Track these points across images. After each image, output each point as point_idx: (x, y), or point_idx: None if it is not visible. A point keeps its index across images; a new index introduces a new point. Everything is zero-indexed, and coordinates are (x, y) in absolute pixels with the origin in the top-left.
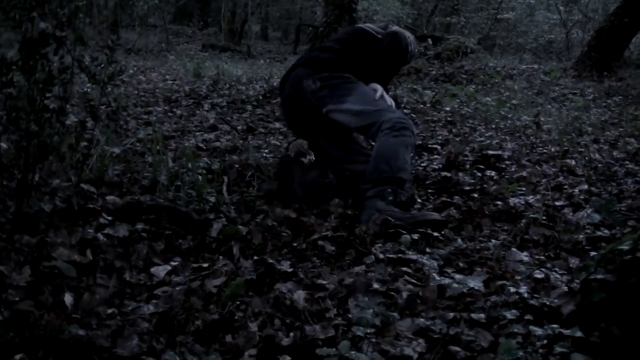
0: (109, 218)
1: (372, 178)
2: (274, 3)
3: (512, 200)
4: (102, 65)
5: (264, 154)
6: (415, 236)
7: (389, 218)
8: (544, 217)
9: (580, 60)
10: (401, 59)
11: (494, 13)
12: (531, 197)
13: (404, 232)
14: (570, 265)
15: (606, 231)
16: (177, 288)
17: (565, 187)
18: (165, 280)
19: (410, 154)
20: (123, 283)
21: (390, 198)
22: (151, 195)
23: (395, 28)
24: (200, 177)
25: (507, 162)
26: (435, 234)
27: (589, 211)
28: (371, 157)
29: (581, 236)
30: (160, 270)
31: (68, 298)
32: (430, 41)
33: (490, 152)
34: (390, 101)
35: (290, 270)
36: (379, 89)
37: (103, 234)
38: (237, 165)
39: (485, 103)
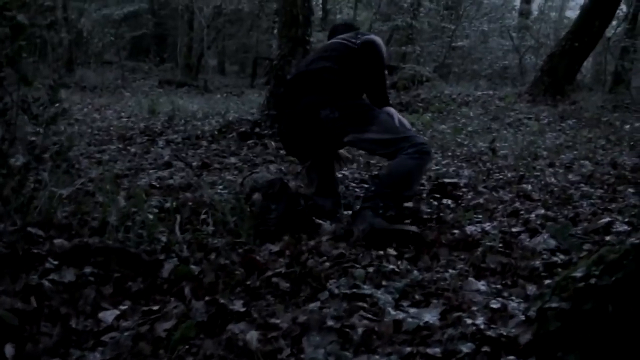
0: (55, 262)
1: (377, 190)
2: (230, 37)
3: (469, 228)
4: (45, 106)
5: (218, 190)
6: (371, 269)
7: (372, 225)
8: (501, 245)
9: (534, 85)
10: (383, 59)
11: (448, 41)
12: (488, 224)
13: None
14: (528, 292)
15: (562, 256)
16: (125, 333)
17: (522, 212)
18: (114, 326)
19: (423, 175)
20: (68, 330)
21: (381, 211)
22: (100, 237)
23: (366, 37)
24: (151, 217)
25: (464, 190)
26: (398, 264)
27: (545, 236)
28: (386, 168)
29: (537, 262)
30: (108, 315)
31: (9, 349)
32: (386, 71)
33: (447, 180)
34: (407, 124)
35: (242, 309)
36: (394, 114)
37: (48, 279)
38: (190, 203)
39: (442, 131)
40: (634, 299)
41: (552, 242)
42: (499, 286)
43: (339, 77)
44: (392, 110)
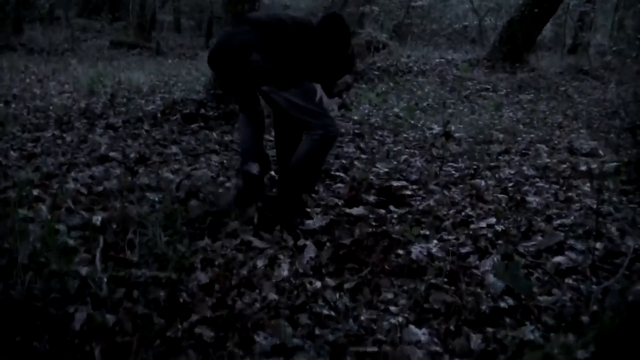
0: None
1: (288, 186)
2: None
3: (415, 250)
4: None
5: (151, 198)
6: (304, 315)
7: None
8: (446, 279)
9: (493, 52)
10: (344, 43)
11: (407, 0)
12: (434, 242)
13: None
14: (472, 346)
15: (510, 301)
16: None
17: (472, 220)
18: None
19: (326, 157)
20: None
21: (294, 207)
22: (6, 282)
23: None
24: (70, 242)
25: (414, 187)
26: (336, 301)
27: (492, 275)
28: (297, 155)
29: (484, 307)
30: None
31: None
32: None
33: (395, 183)
34: (327, 103)
35: None
36: (319, 90)
37: None
38: (114, 225)
39: (395, 113)
40: None
41: (500, 286)
42: (438, 344)
43: (287, 31)
44: (318, 86)
